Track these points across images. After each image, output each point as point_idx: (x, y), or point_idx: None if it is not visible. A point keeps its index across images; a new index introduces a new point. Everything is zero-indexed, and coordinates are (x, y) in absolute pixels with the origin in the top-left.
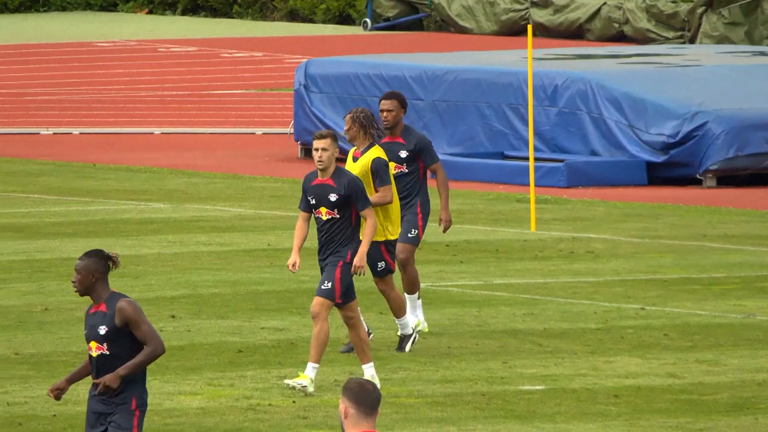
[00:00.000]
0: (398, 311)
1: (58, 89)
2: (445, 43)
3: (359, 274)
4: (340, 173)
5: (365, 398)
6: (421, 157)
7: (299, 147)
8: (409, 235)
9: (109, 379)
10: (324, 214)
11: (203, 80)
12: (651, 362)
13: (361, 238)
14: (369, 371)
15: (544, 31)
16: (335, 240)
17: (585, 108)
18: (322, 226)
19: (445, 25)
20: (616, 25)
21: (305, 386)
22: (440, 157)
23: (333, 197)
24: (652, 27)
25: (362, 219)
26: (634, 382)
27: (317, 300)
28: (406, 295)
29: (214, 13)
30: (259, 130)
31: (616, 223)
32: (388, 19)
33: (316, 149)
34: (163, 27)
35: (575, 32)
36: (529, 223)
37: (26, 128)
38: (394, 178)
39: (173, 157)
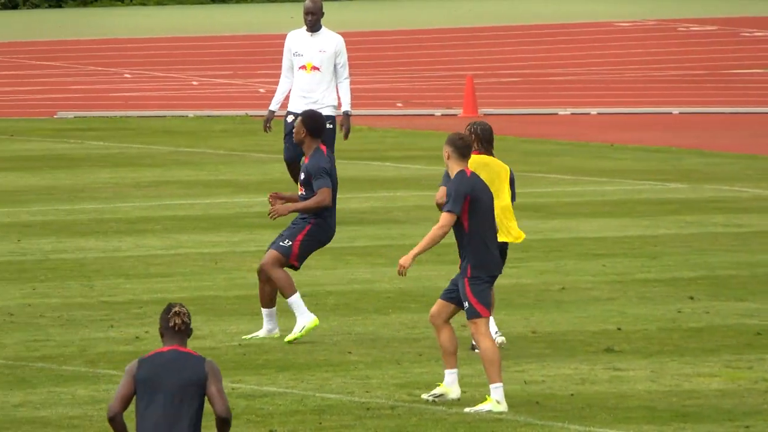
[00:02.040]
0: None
1: (578, 69)
2: None
3: (401, 274)
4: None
5: None
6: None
7: None
8: (282, 243)
9: None
10: None
11: (722, 59)
12: None
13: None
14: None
15: None
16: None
17: None
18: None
19: None
20: None
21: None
22: None
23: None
24: None
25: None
26: None
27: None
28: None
29: None
30: None
31: None
32: None
33: None
34: (685, 7)
35: None
36: None
37: (544, 109)
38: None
39: (691, 137)
